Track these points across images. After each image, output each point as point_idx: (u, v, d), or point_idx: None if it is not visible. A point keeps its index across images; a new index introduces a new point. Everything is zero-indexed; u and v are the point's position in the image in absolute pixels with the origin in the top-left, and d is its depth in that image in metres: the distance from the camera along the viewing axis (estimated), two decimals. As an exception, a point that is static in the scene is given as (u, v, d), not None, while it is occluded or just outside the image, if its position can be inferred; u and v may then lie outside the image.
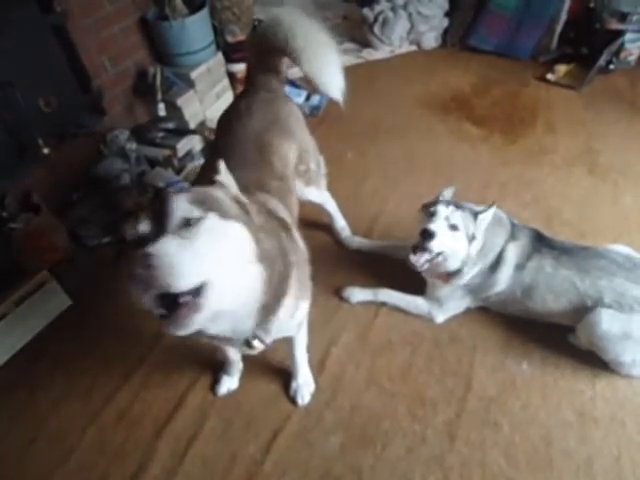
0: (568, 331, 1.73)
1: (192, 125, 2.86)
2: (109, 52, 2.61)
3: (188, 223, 0.82)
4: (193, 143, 2.76)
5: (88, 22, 2.45)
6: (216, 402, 1.71)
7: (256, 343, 1.08)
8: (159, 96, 2.71)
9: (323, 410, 1.66)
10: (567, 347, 1.75)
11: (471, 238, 1.62)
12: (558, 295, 1.67)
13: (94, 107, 2.55)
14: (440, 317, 1.86)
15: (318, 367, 1.76)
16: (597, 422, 1.58)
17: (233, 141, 1.51)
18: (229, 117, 1.64)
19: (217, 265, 0.83)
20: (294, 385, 1.69)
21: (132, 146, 2.57)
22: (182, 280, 0.77)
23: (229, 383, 1.73)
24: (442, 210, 1.60)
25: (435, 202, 1.67)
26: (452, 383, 1.70)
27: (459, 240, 1.61)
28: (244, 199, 0.98)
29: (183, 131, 2.75)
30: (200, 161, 2.74)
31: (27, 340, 1.95)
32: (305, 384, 1.69)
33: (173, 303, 0.80)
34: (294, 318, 1.25)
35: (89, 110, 2.53)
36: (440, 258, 1.64)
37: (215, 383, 1.74)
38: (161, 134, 2.68)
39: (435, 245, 1.57)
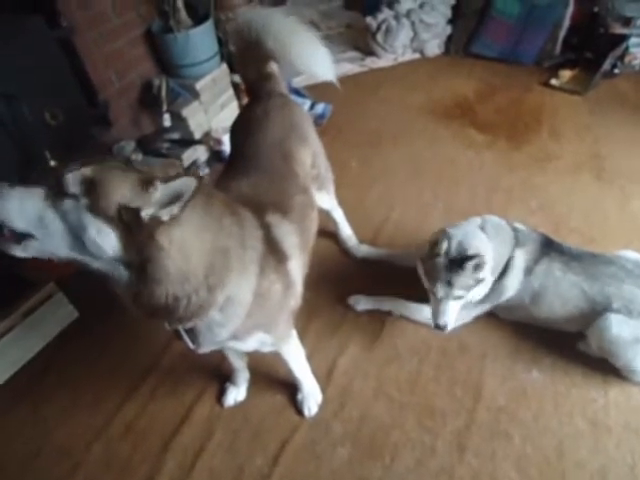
0: (578, 338, 1.71)
1: (197, 135, 2.86)
2: (115, 64, 2.63)
3: (60, 192, 0.88)
4: (198, 153, 2.77)
5: (94, 35, 2.47)
6: (223, 413, 1.70)
7: (186, 340, 1.15)
8: (164, 107, 2.73)
9: (331, 421, 1.64)
10: (578, 354, 1.72)
11: (479, 283, 1.60)
12: (566, 301, 1.65)
13: (100, 119, 2.57)
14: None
15: (325, 378, 1.75)
16: (610, 431, 1.55)
17: (256, 148, 1.49)
18: (247, 123, 1.60)
19: (49, 233, 0.89)
20: (300, 396, 1.68)
21: (138, 157, 2.58)
22: (7, 219, 0.88)
23: (236, 394, 1.72)
24: (440, 292, 1.59)
25: (434, 264, 1.59)
26: (461, 393, 1.68)
27: (470, 296, 1.62)
28: (147, 219, 0.88)
29: (188, 141, 2.76)
30: (205, 171, 2.75)
31: (35, 352, 1.95)
32: (311, 395, 1.67)
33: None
34: (243, 342, 1.25)
35: (95, 122, 2.55)
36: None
37: (222, 394, 1.73)
38: (167, 145, 2.70)
39: (450, 327, 1.64)
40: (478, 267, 1.53)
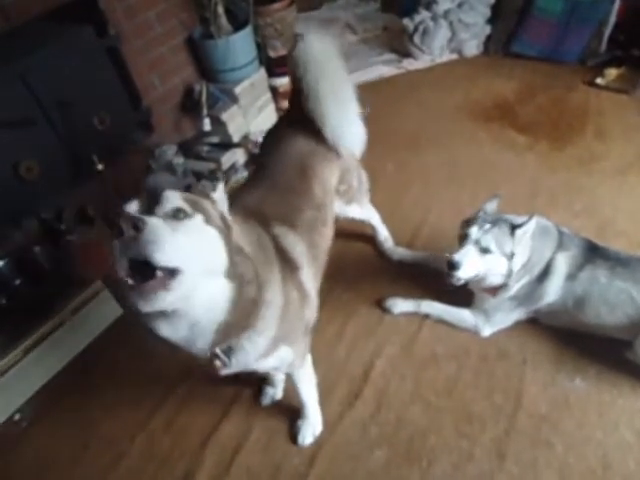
0: (625, 346, 1.65)
1: (236, 139, 2.92)
2: (158, 71, 2.73)
3: (177, 215, 0.87)
4: (237, 156, 2.83)
5: (139, 43, 2.57)
6: (260, 412, 1.73)
7: (218, 363, 1.09)
8: (205, 111, 2.80)
9: (367, 423, 1.64)
10: (624, 363, 1.65)
11: (510, 255, 1.58)
12: (613, 307, 1.59)
13: (144, 124, 2.66)
14: (487, 330, 1.81)
15: (362, 379, 1.75)
16: (660, 444, 1.49)
17: (278, 161, 1.50)
18: (276, 134, 1.62)
19: (192, 260, 0.85)
20: (300, 423, 1.63)
21: (179, 160, 2.66)
22: (162, 255, 0.79)
23: (273, 393, 1.74)
24: (472, 234, 1.58)
25: (475, 217, 1.63)
26: (501, 399, 1.65)
27: (492, 261, 1.59)
28: (229, 219, 1.00)
29: (227, 145, 2.83)
30: (244, 174, 2.80)
31: (82, 347, 2.04)
32: (312, 425, 1.62)
33: (143, 277, 0.81)
34: (268, 358, 1.20)
35: (139, 127, 2.65)
36: (477, 277, 1.63)
37: (259, 393, 1.75)
38: (206, 148, 2.78)
39: (461, 273, 1.58)
40: (522, 236, 1.56)
